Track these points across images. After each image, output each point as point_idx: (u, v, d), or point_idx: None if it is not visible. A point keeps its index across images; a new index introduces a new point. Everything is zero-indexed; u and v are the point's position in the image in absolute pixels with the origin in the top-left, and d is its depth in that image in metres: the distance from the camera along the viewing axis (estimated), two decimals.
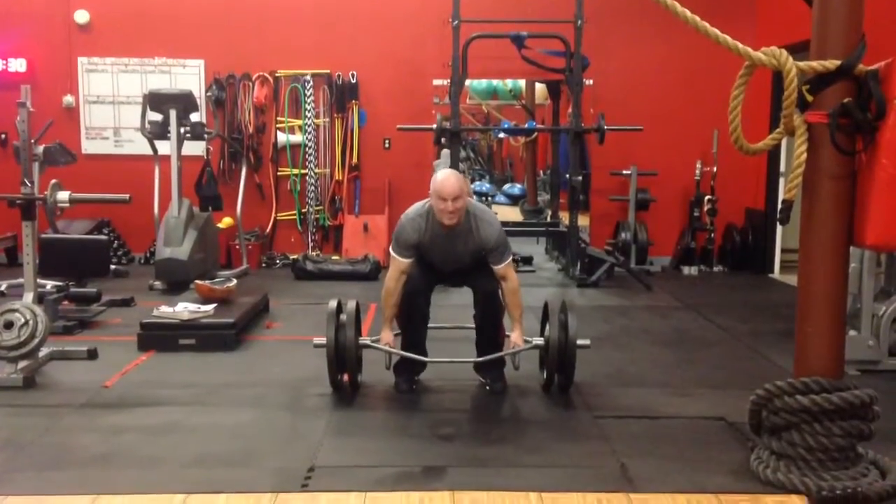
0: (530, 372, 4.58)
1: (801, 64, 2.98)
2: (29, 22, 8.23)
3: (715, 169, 8.20)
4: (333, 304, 4.20)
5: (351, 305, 4.20)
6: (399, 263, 4.14)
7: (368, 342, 4.22)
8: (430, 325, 4.40)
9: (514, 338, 4.17)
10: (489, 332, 4.31)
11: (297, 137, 8.48)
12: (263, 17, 8.29)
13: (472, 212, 4.11)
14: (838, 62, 2.94)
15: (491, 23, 7.53)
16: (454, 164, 7.28)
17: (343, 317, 4.16)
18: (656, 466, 3.31)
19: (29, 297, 4.51)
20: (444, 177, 3.99)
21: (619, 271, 7.71)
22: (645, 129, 7.77)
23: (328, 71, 8.39)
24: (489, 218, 4.18)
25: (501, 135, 10.38)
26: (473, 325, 4.38)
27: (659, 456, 3.43)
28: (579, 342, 4.10)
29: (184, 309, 5.24)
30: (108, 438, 3.58)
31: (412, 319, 4.28)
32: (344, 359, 4.11)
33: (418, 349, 4.30)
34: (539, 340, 4.17)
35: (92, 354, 4.74)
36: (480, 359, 4.27)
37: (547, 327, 4.21)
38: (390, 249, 4.22)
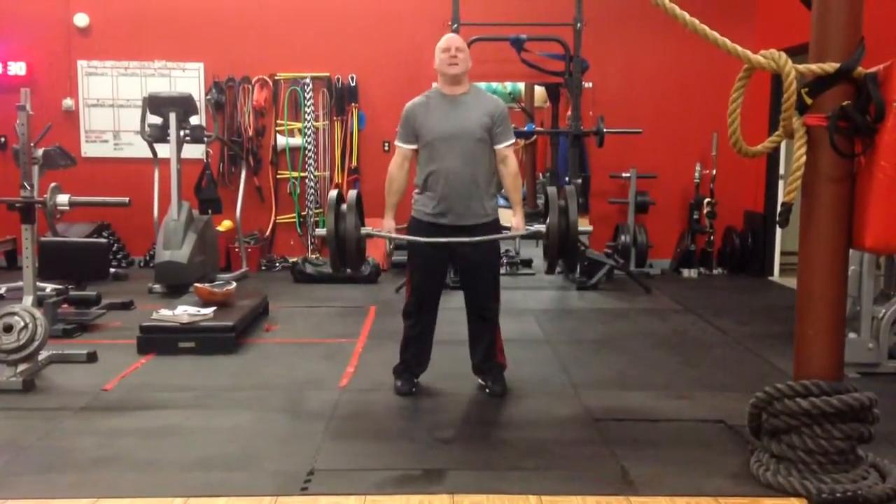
0: (530, 374, 4.59)
1: (800, 67, 2.99)
2: (28, 25, 8.24)
3: (714, 172, 8.20)
4: (333, 193, 4.07)
5: (352, 194, 4.09)
6: (402, 150, 4.16)
7: (370, 230, 4.13)
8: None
9: (515, 222, 4.15)
10: (484, 332, 4.29)
11: (296, 140, 8.48)
12: (263, 20, 8.30)
13: (478, 88, 4.19)
14: (837, 65, 2.95)
15: (490, 26, 7.54)
16: None
17: (343, 206, 4.02)
18: (656, 469, 3.31)
19: (28, 300, 4.50)
20: (447, 35, 4.15)
21: (618, 274, 7.72)
22: (644, 132, 7.78)
23: (328, 74, 8.40)
24: (495, 96, 4.25)
25: None
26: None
27: (659, 459, 3.42)
28: (581, 228, 4.04)
29: (183, 312, 5.24)
30: (108, 442, 3.57)
31: (417, 332, 4.26)
32: (346, 247, 3.99)
33: (423, 358, 4.30)
34: (541, 226, 4.09)
35: (91, 358, 4.74)
36: (478, 239, 4.02)
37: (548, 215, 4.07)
38: (396, 141, 4.21)
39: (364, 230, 4.08)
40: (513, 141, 4.18)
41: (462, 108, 4.07)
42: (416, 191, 4.20)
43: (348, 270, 4.17)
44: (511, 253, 8.31)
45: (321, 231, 4.08)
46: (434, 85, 4.22)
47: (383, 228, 4.22)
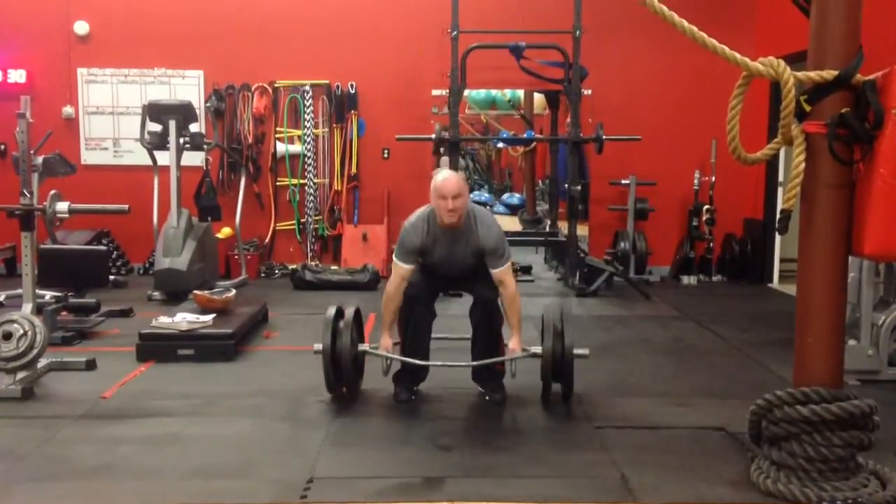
0: (530, 382, 4.57)
1: (799, 74, 2.99)
2: (29, 33, 8.25)
3: (713, 179, 8.21)
4: (332, 310, 4.19)
5: (350, 311, 4.19)
6: (401, 270, 4.15)
7: (367, 348, 4.21)
8: (431, 336, 4.39)
9: (512, 345, 4.17)
10: (486, 338, 4.30)
11: (296, 147, 8.49)
12: (263, 28, 8.32)
13: (473, 213, 4.14)
14: (836, 72, 2.96)
15: (490, 33, 7.56)
16: None
17: (341, 323, 4.14)
18: (656, 477, 3.30)
19: (28, 307, 4.50)
20: (445, 176, 4.04)
21: (618, 281, 7.71)
22: (643, 139, 7.80)
23: (327, 81, 8.41)
24: (489, 220, 4.21)
25: (500, 145, 10.39)
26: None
27: (659, 466, 3.42)
28: (577, 352, 4.09)
29: (182, 319, 5.24)
30: (107, 450, 3.57)
31: (412, 326, 4.28)
32: (341, 365, 4.09)
33: (419, 358, 4.29)
34: (537, 349, 4.16)
35: (90, 365, 4.74)
36: (476, 363, 4.27)
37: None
38: (393, 256, 4.23)
39: (361, 347, 4.19)
40: (507, 265, 4.17)
41: (457, 241, 4.13)
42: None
43: (344, 390, 4.23)
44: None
45: (318, 346, 4.11)
46: (430, 212, 4.13)
47: (380, 347, 4.25)
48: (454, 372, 4.46)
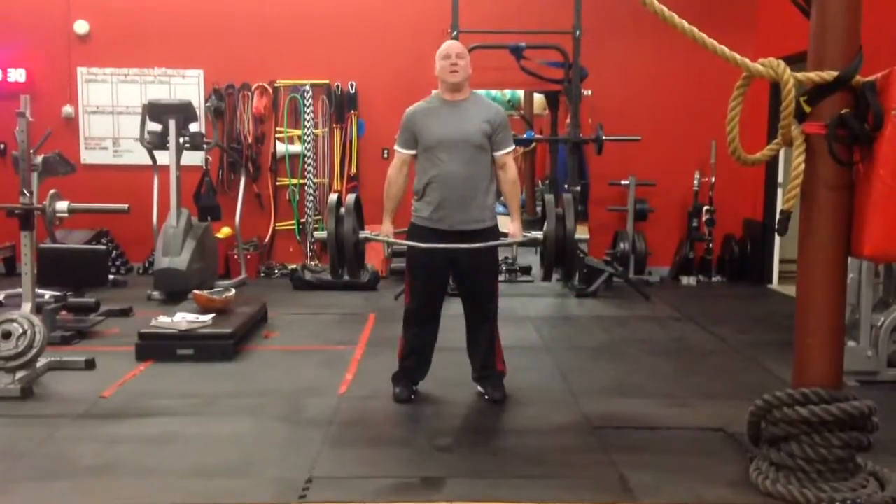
0: (529, 382, 4.58)
1: (799, 75, 2.99)
2: (28, 32, 8.25)
3: (713, 179, 8.21)
4: (333, 197, 4.12)
5: (350, 198, 4.13)
6: (401, 155, 4.17)
7: (368, 234, 4.16)
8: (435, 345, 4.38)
9: (513, 229, 4.16)
10: (483, 339, 4.29)
11: (296, 147, 8.49)
12: (263, 28, 8.32)
13: (476, 94, 4.19)
14: (836, 73, 2.96)
15: (490, 33, 7.56)
16: None
17: (342, 210, 4.07)
18: (655, 477, 3.30)
19: (27, 307, 4.50)
20: (448, 42, 4.16)
21: (617, 281, 7.71)
22: (643, 140, 7.79)
23: (327, 81, 8.41)
24: (495, 103, 4.26)
25: None
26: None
27: (658, 467, 3.42)
28: (578, 235, 4.05)
29: (182, 319, 5.24)
30: (106, 449, 3.57)
31: (417, 343, 4.26)
32: (344, 251, 4.02)
33: (422, 356, 4.29)
34: (538, 234, 4.10)
35: (90, 365, 4.74)
36: (478, 245, 4.05)
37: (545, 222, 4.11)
38: (395, 145, 4.22)
39: (362, 234, 4.11)
40: (512, 148, 4.18)
41: (462, 114, 4.08)
42: (415, 198, 4.20)
43: (346, 276, 4.16)
44: (510, 260, 8.31)
45: (320, 234, 4.08)
46: (434, 92, 4.22)
47: (381, 233, 4.21)
48: (454, 372, 4.47)
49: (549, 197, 4.13)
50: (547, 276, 4.16)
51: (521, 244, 4.17)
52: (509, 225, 4.19)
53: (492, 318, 4.26)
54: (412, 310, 4.25)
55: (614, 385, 4.67)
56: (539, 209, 9.74)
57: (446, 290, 4.35)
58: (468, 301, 4.28)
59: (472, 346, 4.35)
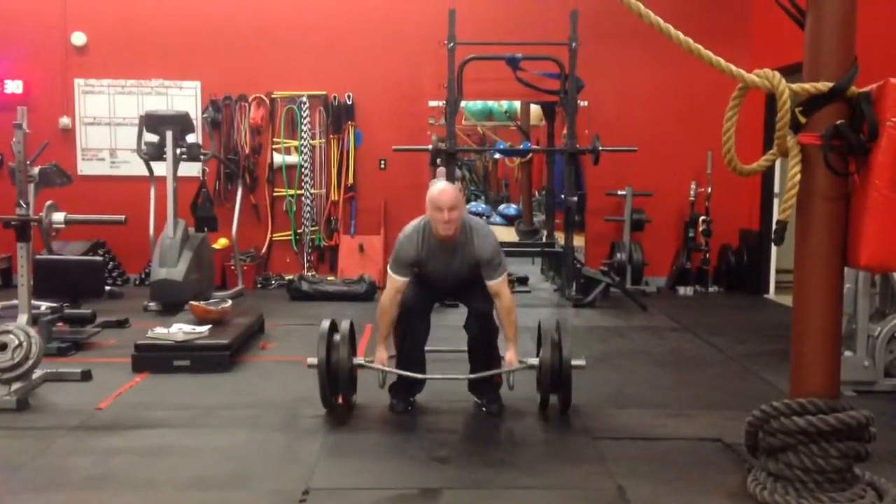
0: (527, 393, 4.57)
1: (794, 86, 3.00)
2: (26, 44, 8.27)
3: (709, 190, 8.23)
4: (326, 323, 4.18)
5: (345, 325, 4.19)
6: (395, 282, 4.14)
7: (363, 362, 4.21)
8: (426, 347, 4.38)
9: (509, 357, 4.17)
10: (483, 350, 4.30)
11: (292, 158, 8.50)
12: (260, 39, 8.34)
13: (468, 224, 4.13)
14: (831, 84, 2.97)
15: (486, 45, 7.59)
16: None
17: (336, 336, 4.14)
18: (653, 488, 3.30)
19: (23, 318, 4.49)
20: (441, 188, 4.04)
21: (614, 292, 7.72)
22: (639, 150, 7.81)
23: (324, 92, 8.43)
24: (485, 231, 4.20)
25: (497, 156, 10.41)
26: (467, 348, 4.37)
27: (656, 478, 3.41)
28: (574, 362, 4.08)
29: (178, 330, 5.22)
30: (102, 461, 3.55)
31: (409, 338, 4.28)
32: (337, 379, 4.09)
33: (415, 369, 4.29)
34: (534, 360, 4.15)
35: (86, 376, 4.73)
36: (473, 375, 4.26)
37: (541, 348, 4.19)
38: (388, 269, 4.23)
39: (356, 361, 4.19)
40: (504, 276, 4.17)
41: (453, 254, 4.13)
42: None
43: (339, 399, 4.21)
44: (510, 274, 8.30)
45: (313, 360, 4.09)
46: (426, 222, 4.12)
47: (376, 360, 4.23)
48: (451, 383, 4.46)
49: (545, 324, 4.22)
50: (543, 405, 4.19)
51: (517, 370, 4.17)
52: (506, 352, 4.20)
53: (489, 309, 4.23)
54: (400, 325, 4.27)
55: (612, 395, 4.66)
56: (536, 220, 9.78)
57: (432, 304, 4.42)
58: (467, 303, 4.32)
59: (471, 358, 4.35)
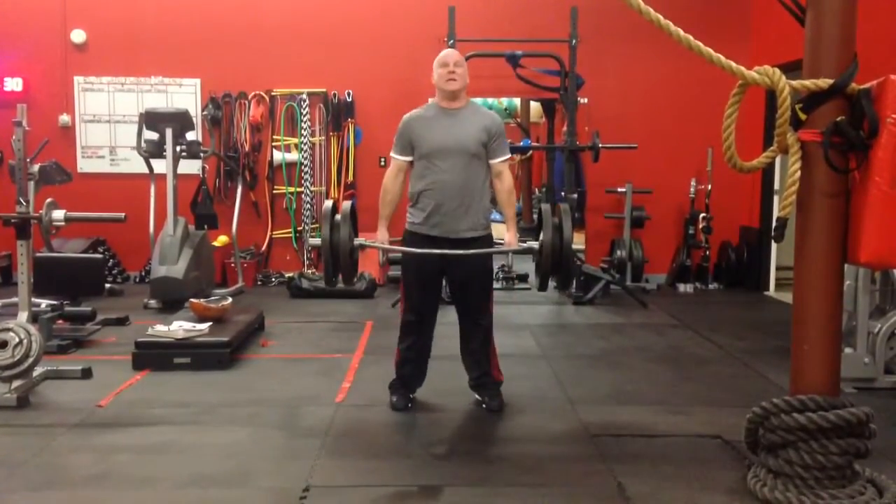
0: (527, 391, 4.58)
1: (794, 83, 3.01)
2: (25, 41, 8.26)
3: (710, 187, 8.23)
4: (329, 204, 4.10)
5: (346, 206, 4.14)
6: (398, 162, 4.18)
7: (363, 241, 4.14)
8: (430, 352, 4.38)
9: (508, 238, 4.16)
10: (478, 347, 4.28)
11: (292, 156, 8.49)
12: (260, 37, 8.33)
13: (473, 102, 4.22)
14: (831, 81, 2.97)
15: (486, 42, 7.58)
16: None
17: (338, 216, 4.04)
18: (653, 485, 3.30)
19: (23, 316, 4.49)
20: (446, 50, 4.17)
21: (614, 289, 7.72)
22: (640, 147, 7.81)
23: (324, 90, 8.42)
24: (492, 112, 4.28)
25: None
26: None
27: (656, 475, 3.42)
28: (575, 246, 4.02)
29: (179, 328, 5.23)
30: (103, 458, 3.56)
31: (413, 353, 4.26)
32: (339, 257, 4.00)
33: (418, 365, 4.29)
34: (534, 243, 4.07)
35: (86, 374, 4.73)
36: (472, 252, 4.04)
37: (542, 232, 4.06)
38: (390, 153, 4.24)
39: (357, 241, 4.10)
40: (508, 156, 4.19)
41: (459, 122, 4.08)
42: (410, 204, 4.21)
43: (341, 283, 4.16)
44: (506, 268, 8.31)
45: (315, 241, 4.08)
46: (431, 100, 4.23)
47: (377, 240, 4.21)
48: (451, 380, 4.46)
49: (546, 206, 4.11)
50: (543, 286, 4.14)
51: (516, 252, 4.15)
52: (505, 233, 4.19)
53: (484, 327, 4.25)
54: (408, 319, 4.25)
55: (612, 393, 4.67)
56: (536, 217, 9.77)
57: (440, 297, 4.35)
58: (461, 309, 4.28)
59: (465, 355, 4.34)
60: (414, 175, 4.16)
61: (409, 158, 4.16)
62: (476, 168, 4.08)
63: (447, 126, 4.08)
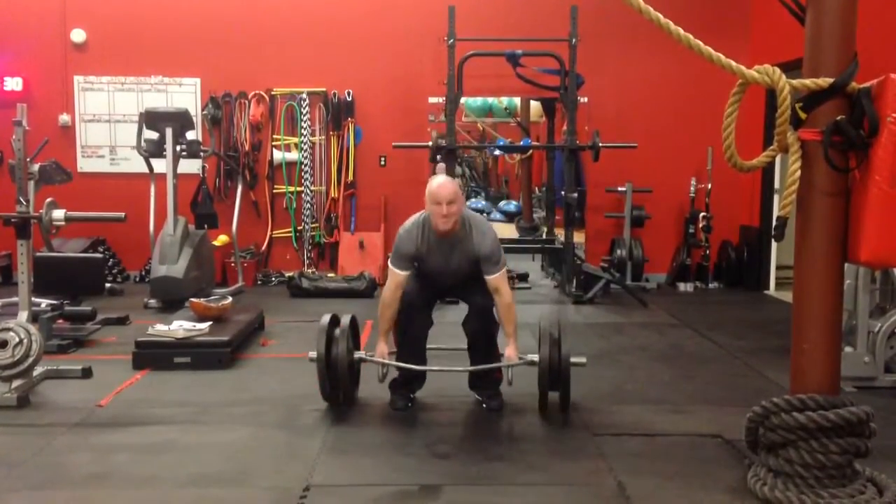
0: (527, 389, 4.57)
1: (794, 82, 3.00)
2: (25, 41, 8.26)
3: (710, 186, 8.23)
4: (326, 318, 4.18)
5: (346, 319, 4.19)
6: (396, 276, 4.15)
7: (363, 356, 4.21)
8: (427, 345, 4.39)
9: (509, 352, 4.17)
10: (483, 346, 4.30)
11: (292, 155, 8.49)
12: (260, 36, 8.33)
13: (468, 219, 4.13)
14: (831, 80, 2.97)
15: (486, 41, 7.58)
16: None
17: (337, 331, 4.13)
18: (654, 484, 3.30)
19: (23, 315, 4.49)
20: (440, 182, 4.04)
21: (614, 288, 7.72)
22: (640, 147, 7.81)
23: (324, 89, 8.42)
24: (484, 227, 4.20)
25: (497, 152, 10.41)
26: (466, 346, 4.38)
27: (656, 474, 3.42)
28: (574, 360, 4.08)
29: (179, 327, 5.22)
30: (103, 458, 3.56)
31: (410, 335, 4.29)
32: (337, 372, 4.08)
33: (416, 365, 4.29)
34: (534, 357, 4.15)
35: (86, 373, 4.73)
36: (472, 368, 4.26)
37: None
38: (389, 262, 4.23)
39: (357, 354, 4.18)
40: (503, 270, 4.17)
41: (453, 248, 4.12)
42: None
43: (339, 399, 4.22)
44: (509, 271, 8.30)
45: (313, 354, 4.08)
46: (425, 217, 4.12)
47: (377, 354, 4.22)
48: (451, 379, 4.46)
49: (544, 323, 4.20)
50: (542, 401, 4.14)
51: (517, 365, 4.16)
52: (506, 348, 4.20)
53: (490, 307, 4.23)
54: (402, 321, 4.28)
55: (612, 391, 4.67)
56: (536, 217, 9.78)
57: (435, 296, 4.42)
58: (467, 300, 4.31)
59: (471, 354, 4.35)
60: None
61: (408, 273, 4.17)
62: (471, 274, 4.19)
63: (443, 254, 4.14)
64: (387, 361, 4.21)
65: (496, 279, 4.11)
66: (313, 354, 4.08)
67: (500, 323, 4.23)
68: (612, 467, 3.47)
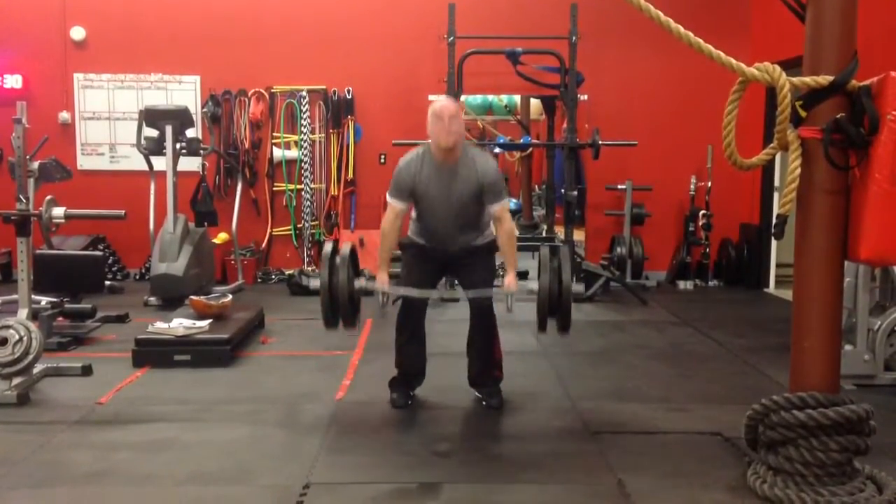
0: (526, 388, 4.58)
1: (795, 80, 3.00)
2: (25, 38, 8.25)
3: (710, 184, 8.22)
4: (329, 246, 4.13)
5: (346, 249, 4.14)
6: (395, 207, 4.13)
7: (364, 284, 4.15)
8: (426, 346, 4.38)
9: (508, 281, 4.14)
10: (483, 342, 4.30)
11: (292, 153, 8.49)
12: (259, 34, 8.32)
13: (468, 151, 4.12)
14: (831, 78, 2.97)
15: (486, 39, 7.57)
16: None
17: (338, 259, 4.07)
18: (653, 482, 3.30)
19: (23, 313, 4.49)
20: (442, 103, 4.04)
21: (614, 286, 7.72)
22: (640, 145, 7.80)
23: (324, 87, 8.42)
24: (486, 157, 4.22)
25: (497, 150, 10.40)
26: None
27: (656, 471, 3.42)
28: (574, 288, 4.03)
29: (179, 325, 5.22)
30: (103, 456, 3.56)
31: (407, 332, 4.29)
32: (339, 301, 4.02)
33: (415, 362, 4.30)
34: (533, 284, 4.08)
35: (86, 371, 4.73)
36: (471, 293, 4.18)
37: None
38: (387, 195, 4.19)
39: (358, 283, 4.14)
40: (505, 201, 4.15)
41: (454, 177, 4.05)
42: (412, 218, 4.25)
43: (341, 325, 4.17)
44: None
45: (315, 283, 4.06)
46: (425, 147, 4.12)
47: (377, 283, 4.20)
48: (451, 377, 4.47)
49: (544, 251, 4.15)
50: (541, 327, 4.13)
51: (517, 294, 4.13)
52: (505, 276, 4.17)
53: (489, 303, 4.23)
54: (402, 313, 4.29)
55: (612, 390, 4.67)
56: (536, 214, 9.77)
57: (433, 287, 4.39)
58: (469, 290, 4.27)
59: (471, 347, 4.35)
60: (415, 205, 4.19)
61: (406, 204, 4.15)
62: (472, 209, 4.12)
63: (442, 180, 4.06)
64: (387, 289, 4.15)
65: (499, 209, 4.08)
66: (317, 284, 4.03)
67: (501, 250, 4.19)
68: (611, 465, 3.47)
